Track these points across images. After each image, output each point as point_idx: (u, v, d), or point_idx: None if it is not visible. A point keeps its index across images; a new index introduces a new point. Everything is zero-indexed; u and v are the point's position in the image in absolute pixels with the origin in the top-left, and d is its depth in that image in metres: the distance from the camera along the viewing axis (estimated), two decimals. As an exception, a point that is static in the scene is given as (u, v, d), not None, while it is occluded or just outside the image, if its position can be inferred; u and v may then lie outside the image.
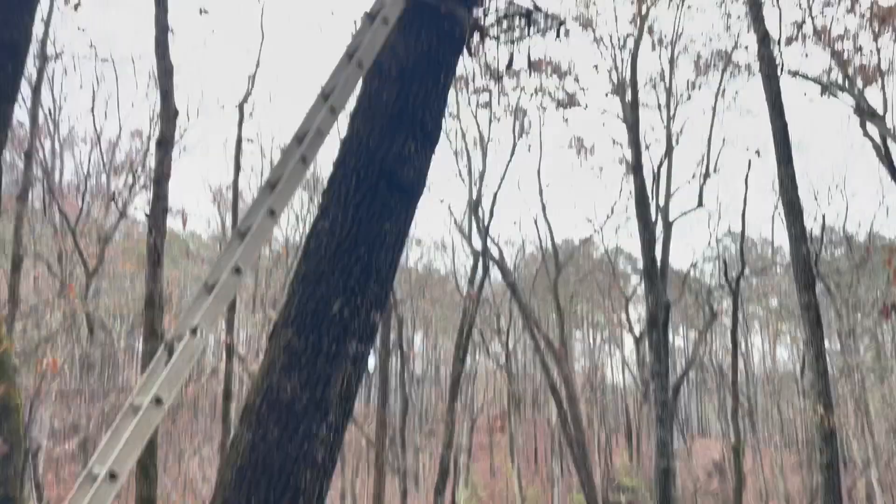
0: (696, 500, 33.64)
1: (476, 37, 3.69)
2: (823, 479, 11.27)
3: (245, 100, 13.84)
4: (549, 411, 41.74)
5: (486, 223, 22.54)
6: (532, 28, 3.79)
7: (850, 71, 17.55)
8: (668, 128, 22.77)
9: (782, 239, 30.35)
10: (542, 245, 28.40)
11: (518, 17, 3.74)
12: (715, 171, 24.96)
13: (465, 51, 3.71)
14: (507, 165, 23.93)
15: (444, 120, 3.58)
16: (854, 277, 27.84)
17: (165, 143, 8.51)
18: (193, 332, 2.60)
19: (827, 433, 11.13)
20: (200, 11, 10.91)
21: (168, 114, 8.63)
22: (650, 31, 20.74)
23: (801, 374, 30.14)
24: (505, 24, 3.76)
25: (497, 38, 3.74)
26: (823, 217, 28.28)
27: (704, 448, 50.84)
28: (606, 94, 21.75)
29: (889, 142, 17.18)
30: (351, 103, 3.48)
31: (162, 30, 8.78)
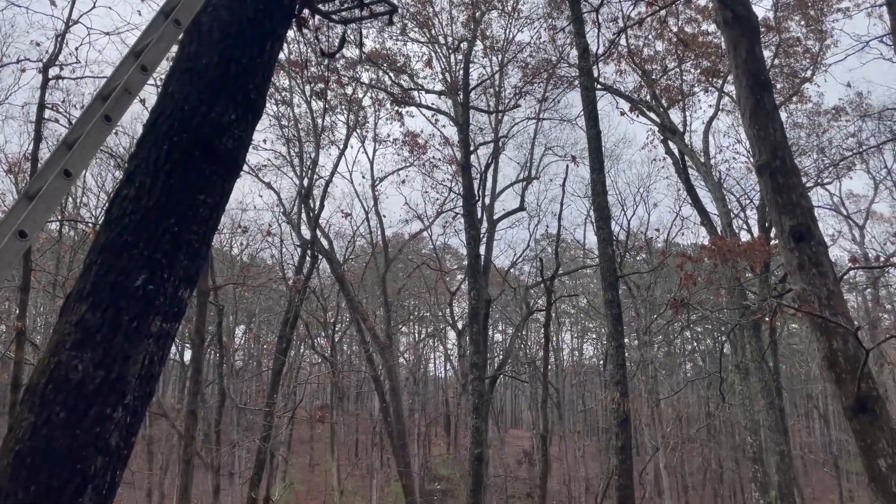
0: (506, 486, 35.37)
1: (306, 12, 3.60)
2: (618, 461, 12.33)
3: (51, 62, 12.49)
4: (373, 404, 41.99)
5: (315, 213, 22.19)
6: (363, 10, 3.76)
7: (657, 91, 19.29)
8: (495, 131, 23.75)
9: (593, 242, 32.68)
10: (372, 239, 28.45)
11: (350, -3, 3.70)
12: (537, 175, 26.48)
13: (294, 25, 3.61)
14: (340, 156, 23.79)
15: (268, 92, 3.45)
16: (652, 280, 30.68)
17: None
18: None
19: (622, 419, 12.19)
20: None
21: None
22: (483, 35, 21.46)
23: (603, 368, 32.65)
24: (337, 1, 3.70)
25: (328, 16, 3.67)
26: (629, 223, 30.99)
27: (516, 438, 53.73)
28: (440, 95, 22.25)
29: (686, 158, 19.11)
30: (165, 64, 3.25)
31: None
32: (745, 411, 16.55)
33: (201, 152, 2.95)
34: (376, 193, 25.76)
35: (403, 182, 37.85)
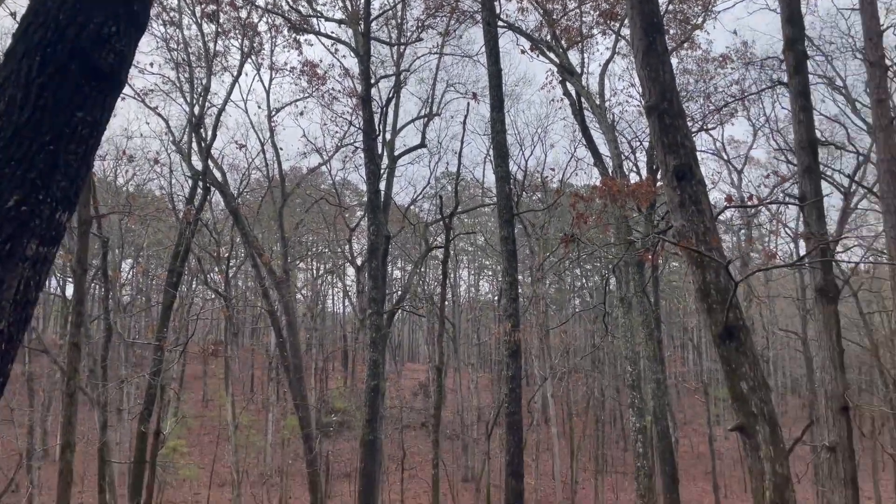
0: (401, 417, 36.34)
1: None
2: (508, 389, 12.90)
3: None
4: (269, 339, 41.64)
5: (207, 143, 21.26)
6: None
7: (558, 31, 19.46)
8: (397, 64, 23.35)
9: (492, 182, 33.12)
10: (268, 172, 27.66)
11: None
12: (438, 112, 26.36)
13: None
14: (234, 84, 22.74)
15: (152, 8, 3.24)
16: (546, 219, 31.62)
17: None
18: None
19: (513, 350, 12.70)
20: None
21: None
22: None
23: (498, 303, 33.65)
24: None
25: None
26: (526, 163, 31.58)
27: (412, 371, 54.98)
28: (340, 24, 21.54)
29: (582, 99, 19.52)
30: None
31: None
32: (627, 342, 17.62)
33: (79, 66, 2.77)
34: (272, 125, 24.93)
35: (301, 114, 36.72)
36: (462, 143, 27.09)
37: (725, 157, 30.15)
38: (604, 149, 19.93)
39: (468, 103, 23.71)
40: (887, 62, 16.67)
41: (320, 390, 42.02)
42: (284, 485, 33.87)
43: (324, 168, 30.53)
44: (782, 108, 26.58)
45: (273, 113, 24.93)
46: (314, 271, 52.94)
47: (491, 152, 16.73)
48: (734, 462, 42.02)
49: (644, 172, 21.49)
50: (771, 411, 5.69)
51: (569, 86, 20.05)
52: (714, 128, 24.87)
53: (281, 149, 25.29)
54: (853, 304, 24.08)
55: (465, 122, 23.58)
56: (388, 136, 23.89)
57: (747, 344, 5.74)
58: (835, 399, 8.48)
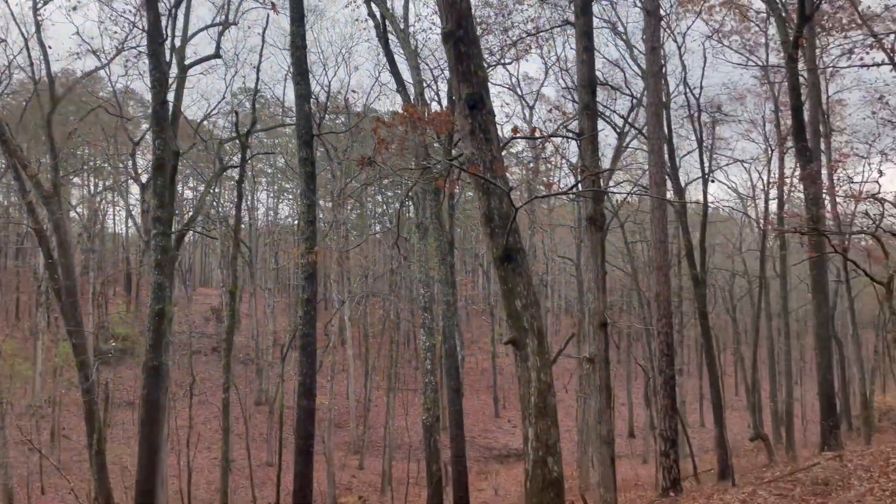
0: (191, 342, 35.08)
1: None
2: (303, 312, 12.91)
3: None
4: (37, 260, 37.68)
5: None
6: None
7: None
8: (188, -37, 21.35)
9: (293, 101, 31.96)
10: (34, 72, 24.31)
11: None
12: (235, 21, 24.65)
13: None
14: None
15: None
16: (349, 143, 31.33)
17: None
18: None
19: (309, 273, 12.68)
20: None
21: None
22: None
23: (297, 227, 33.14)
24: None
25: None
26: (329, 83, 30.83)
27: (205, 296, 52.90)
28: None
29: (387, 22, 19.28)
30: None
31: None
32: (421, 267, 18.29)
33: None
34: (39, 18, 21.78)
35: (75, 9, 32.23)
36: (261, 56, 25.80)
37: (519, 93, 31.60)
38: (407, 75, 19.97)
39: (268, 14, 22.40)
40: (662, 12, 18.31)
41: (98, 316, 39.09)
42: (56, 415, 31.53)
43: (102, 73, 27.44)
44: (571, 48, 28.21)
45: (39, 4, 21.79)
46: (92, 187, 48.30)
47: (291, 70, 16.04)
48: (513, 377, 45.95)
49: (444, 102, 21.93)
50: (540, 327, 6.27)
51: (374, 6, 19.65)
52: (511, 63, 25.82)
53: (50, 47, 22.18)
54: (620, 234, 26.90)
55: (263, 35, 22.33)
56: (177, 43, 21.94)
57: (523, 266, 6.22)
58: (596, 316, 9.53)
